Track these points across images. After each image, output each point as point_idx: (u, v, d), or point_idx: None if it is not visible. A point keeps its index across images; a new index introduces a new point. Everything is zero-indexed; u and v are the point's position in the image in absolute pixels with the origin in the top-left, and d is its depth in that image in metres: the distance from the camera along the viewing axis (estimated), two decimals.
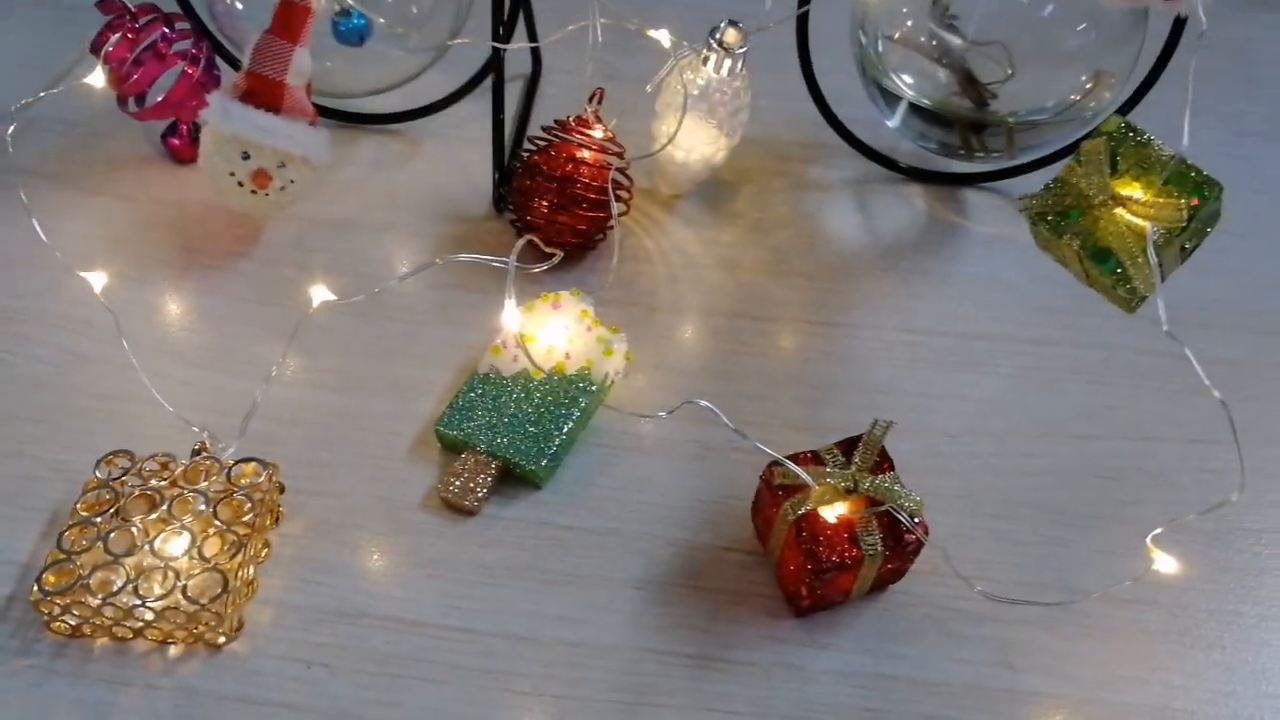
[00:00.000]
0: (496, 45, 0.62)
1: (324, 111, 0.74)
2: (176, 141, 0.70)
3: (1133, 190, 0.43)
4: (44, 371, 0.58)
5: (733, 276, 0.66)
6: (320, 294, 0.52)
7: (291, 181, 0.61)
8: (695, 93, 0.63)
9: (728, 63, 0.62)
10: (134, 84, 0.65)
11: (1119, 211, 0.43)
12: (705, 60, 0.62)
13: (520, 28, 0.74)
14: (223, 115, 0.59)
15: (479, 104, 0.73)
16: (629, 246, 0.67)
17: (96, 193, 0.68)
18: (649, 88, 0.65)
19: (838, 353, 0.61)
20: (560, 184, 0.62)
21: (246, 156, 0.60)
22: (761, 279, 0.66)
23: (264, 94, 0.60)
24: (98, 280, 0.54)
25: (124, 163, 0.71)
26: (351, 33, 0.68)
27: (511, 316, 0.53)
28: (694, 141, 0.65)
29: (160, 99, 0.66)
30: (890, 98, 0.69)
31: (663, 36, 0.59)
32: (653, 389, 0.59)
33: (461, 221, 0.68)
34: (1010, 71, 0.65)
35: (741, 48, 0.62)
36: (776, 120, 0.75)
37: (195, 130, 0.70)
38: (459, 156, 0.73)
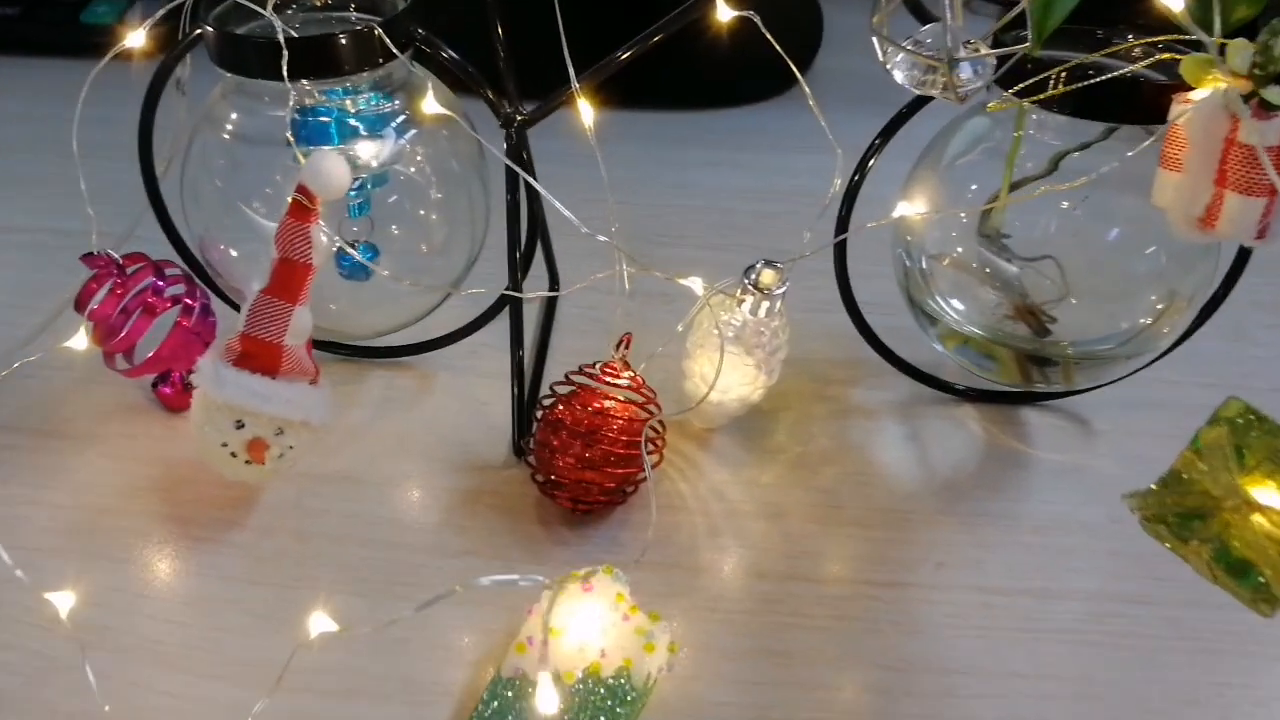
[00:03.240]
0: (512, 294, 0.57)
1: (329, 345, 0.69)
2: (168, 390, 0.65)
3: (1268, 489, 0.37)
4: (10, 684, 0.51)
5: (779, 527, 0.59)
6: (320, 623, 0.46)
7: (290, 448, 0.56)
8: (731, 334, 0.58)
9: (765, 305, 0.57)
10: (122, 340, 0.60)
11: (1256, 519, 0.36)
12: (741, 302, 0.57)
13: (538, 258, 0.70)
14: (215, 382, 0.54)
15: (494, 331, 0.68)
16: (662, 492, 0.61)
17: (78, 454, 0.63)
18: (680, 327, 0.59)
19: (906, 622, 0.54)
20: (587, 438, 0.56)
21: (240, 425, 0.54)
22: (812, 530, 0.59)
23: (260, 357, 0.54)
24: (65, 602, 0.48)
25: (110, 413, 0.65)
26: (359, 269, 0.63)
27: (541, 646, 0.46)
28: (730, 382, 0.59)
29: (151, 354, 0.61)
30: (937, 321, 0.64)
31: (695, 285, 0.54)
32: (701, 680, 0.52)
33: (478, 471, 0.62)
34: (1064, 292, 0.60)
35: (779, 288, 0.57)
36: (813, 335, 0.70)
37: (188, 378, 0.65)
38: (474, 392, 0.68)
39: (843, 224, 0.61)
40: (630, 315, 0.73)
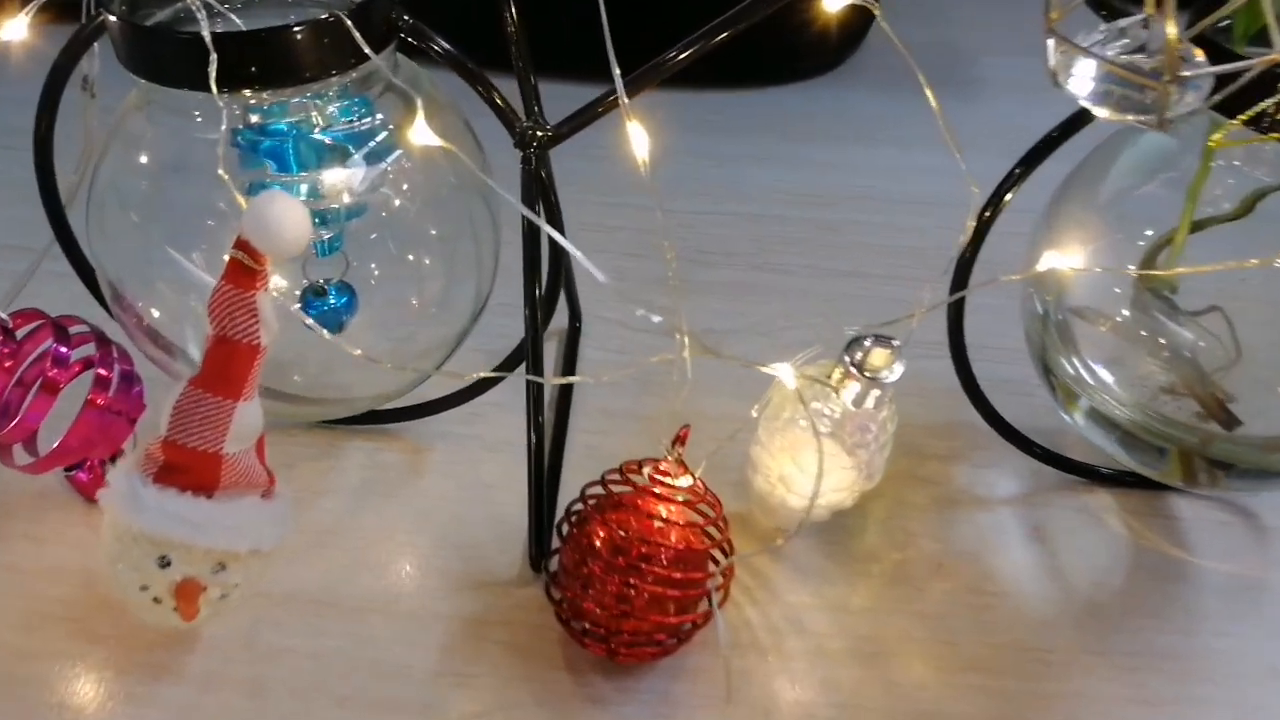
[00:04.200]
0: (533, 379, 0.43)
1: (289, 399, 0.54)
2: (84, 476, 0.50)
3: None
4: None
5: (882, 675, 0.45)
6: None
7: (236, 585, 0.42)
8: (826, 428, 0.44)
9: (874, 394, 0.43)
10: (16, 428, 0.45)
11: None
12: (841, 388, 0.43)
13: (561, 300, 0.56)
14: (131, 505, 0.40)
15: (500, 387, 0.54)
16: (725, 618, 0.47)
17: None
18: (755, 412, 0.45)
19: None
20: (630, 572, 0.42)
21: (166, 563, 0.40)
22: (922, 677, 0.45)
23: (192, 471, 0.40)
24: None
25: (15, 504, 0.51)
26: (328, 318, 0.49)
27: None
28: (821, 486, 0.45)
29: (57, 443, 0.47)
30: (1075, 396, 0.49)
31: (784, 375, 0.40)
32: None
33: (485, 590, 0.48)
34: (1233, 356, 0.46)
35: (892, 373, 0.42)
36: (906, 398, 0.56)
37: (112, 463, 0.50)
38: (478, 471, 0.53)
39: (963, 270, 0.47)
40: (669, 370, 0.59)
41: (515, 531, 0.50)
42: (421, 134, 0.38)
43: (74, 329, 0.47)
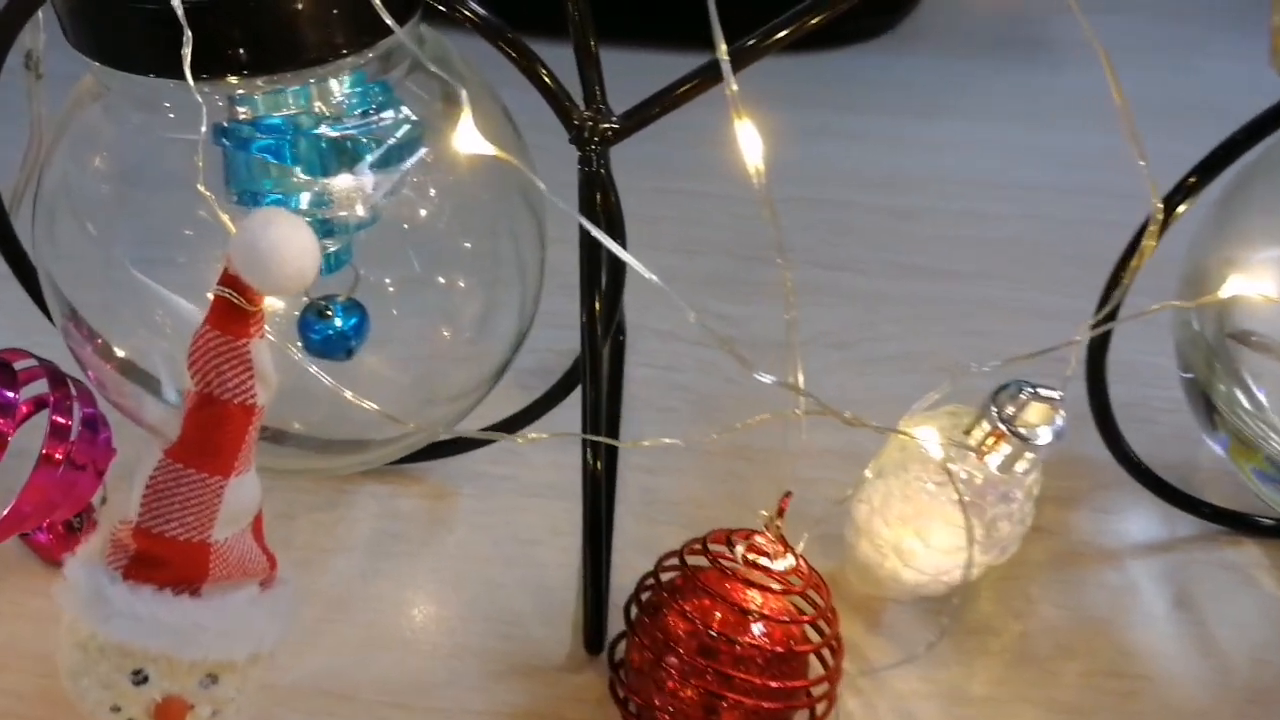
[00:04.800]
0: (591, 439, 0.34)
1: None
2: (44, 538, 0.42)
3: None
4: None
5: None
6: None
7: (232, 700, 0.33)
8: (960, 497, 0.35)
9: (1028, 458, 0.34)
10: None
11: None
12: (988, 450, 0.34)
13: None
14: (96, 609, 0.31)
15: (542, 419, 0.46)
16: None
17: None
18: (869, 472, 0.37)
19: None
20: (718, 679, 0.34)
21: (143, 679, 0.32)
22: None
23: (172, 564, 0.31)
24: None
25: None
26: (334, 344, 0.40)
27: None
28: (945, 562, 0.37)
29: (8, 509, 0.38)
30: (1240, 437, 0.41)
31: (930, 442, 0.31)
32: None
33: (530, 675, 0.40)
34: None
35: (1049, 435, 0.34)
36: None
37: (77, 522, 0.42)
38: (513, 524, 0.45)
39: (1111, 289, 0.38)
40: (736, 385, 0.50)
41: (563, 602, 0.42)
42: (468, 139, 0.29)
43: (20, 364, 0.39)
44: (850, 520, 0.40)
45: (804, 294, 0.58)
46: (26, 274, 0.40)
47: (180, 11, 0.26)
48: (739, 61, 0.32)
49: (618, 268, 0.39)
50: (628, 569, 0.42)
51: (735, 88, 0.30)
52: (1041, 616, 0.43)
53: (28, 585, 0.42)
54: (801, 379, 0.32)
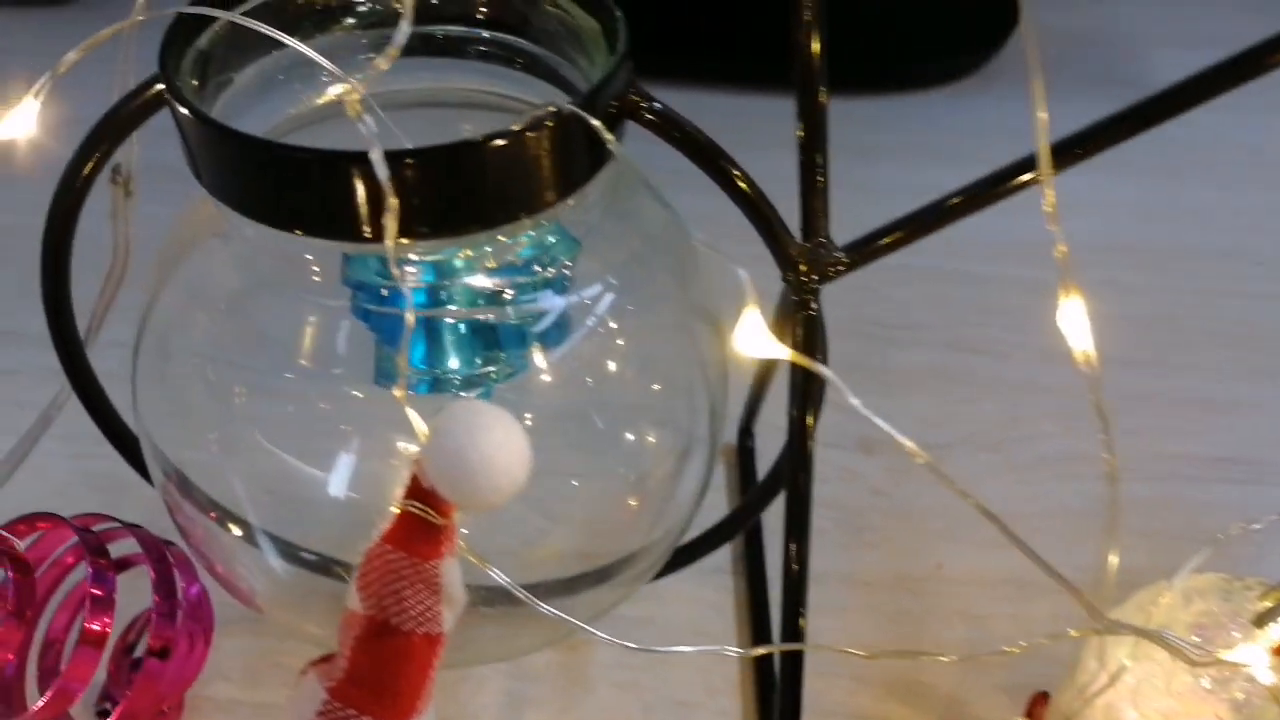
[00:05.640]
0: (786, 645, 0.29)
1: None
2: None
3: None
4: None
5: None
6: None
7: None
8: (1238, 695, 0.30)
9: None
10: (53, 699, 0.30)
11: None
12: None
13: None
14: None
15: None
16: None
17: None
18: (1126, 659, 0.31)
19: None
20: None
21: None
22: None
23: None
24: None
25: None
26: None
27: None
28: None
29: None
30: None
31: (1259, 666, 0.26)
32: None
33: None
34: None
35: None
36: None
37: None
38: (664, 684, 0.39)
39: None
40: (885, 497, 0.45)
41: None
42: (756, 340, 0.23)
43: (110, 537, 0.32)
44: (1094, 709, 0.34)
45: (938, 383, 0.52)
46: (107, 419, 0.34)
47: (383, 174, 0.20)
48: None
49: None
50: None
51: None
52: None
53: None
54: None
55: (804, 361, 0.25)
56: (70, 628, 0.34)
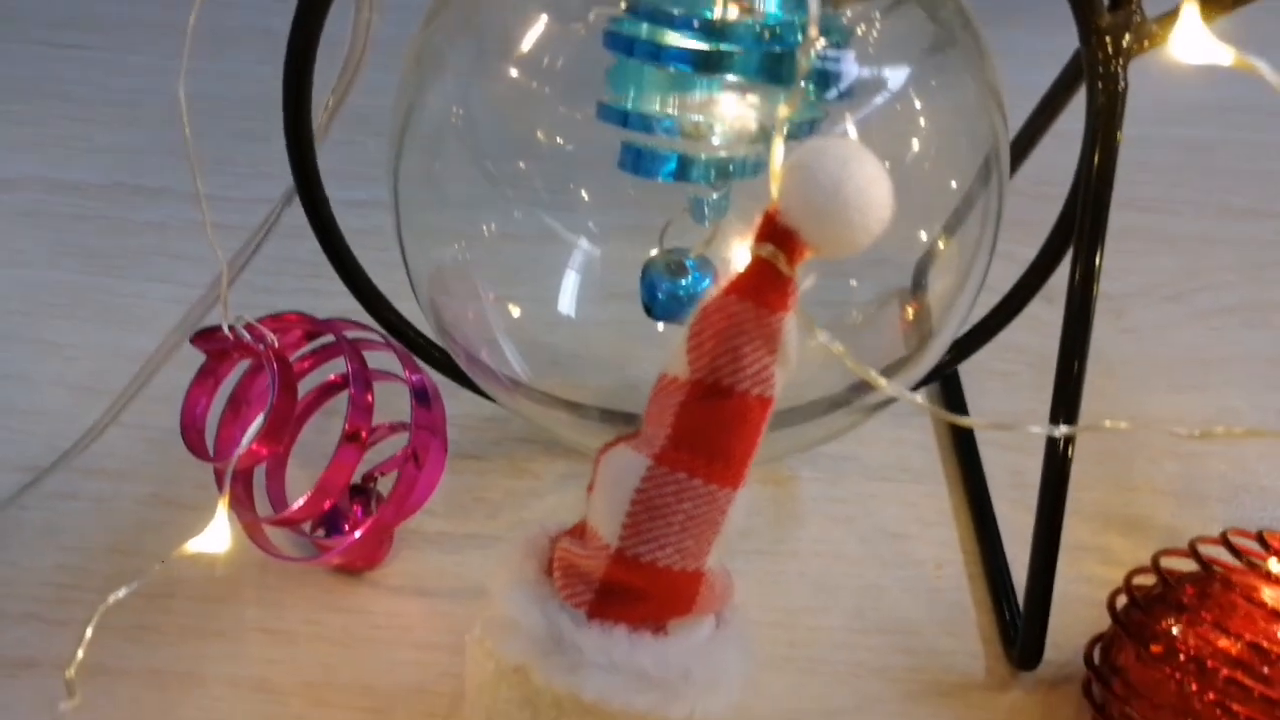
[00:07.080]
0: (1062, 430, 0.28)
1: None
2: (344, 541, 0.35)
3: None
4: None
5: None
6: None
7: None
8: None
9: None
10: (306, 507, 0.29)
11: None
12: None
13: None
14: (560, 659, 0.24)
15: None
16: None
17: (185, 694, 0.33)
18: None
19: None
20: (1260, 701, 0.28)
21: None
22: None
23: (652, 598, 0.25)
24: None
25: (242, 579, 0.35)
26: (681, 305, 0.34)
27: None
28: None
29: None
30: None
31: None
32: None
33: (950, 696, 0.33)
34: None
35: None
36: None
37: (373, 501, 0.34)
38: (877, 517, 0.38)
39: None
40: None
41: (955, 605, 0.36)
42: (1196, 41, 0.21)
43: (357, 334, 0.31)
44: None
45: (1110, 239, 0.51)
46: (327, 229, 0.33)
47: None
48: None
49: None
50: (1015, 563, 0.36)
51: None
52: None
53: (323, 600, 0.35)
54: None
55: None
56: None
